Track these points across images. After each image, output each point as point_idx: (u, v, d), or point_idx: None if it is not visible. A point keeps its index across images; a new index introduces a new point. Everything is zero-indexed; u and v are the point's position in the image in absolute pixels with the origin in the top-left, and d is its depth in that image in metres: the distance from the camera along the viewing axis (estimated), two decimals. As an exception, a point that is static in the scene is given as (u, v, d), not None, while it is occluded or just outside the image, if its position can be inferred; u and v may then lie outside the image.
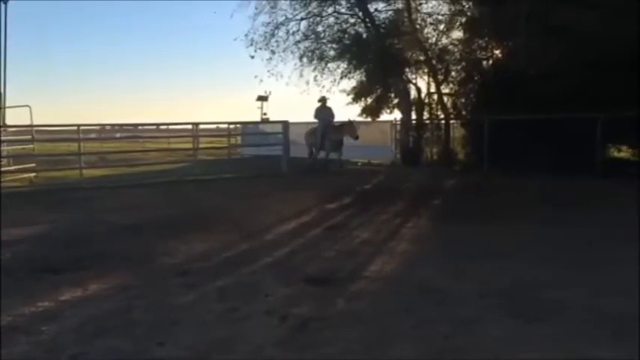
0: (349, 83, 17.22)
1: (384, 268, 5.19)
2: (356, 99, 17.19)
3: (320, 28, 16.78)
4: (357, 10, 16.55)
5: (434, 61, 16.38)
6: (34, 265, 5.17)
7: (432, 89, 16.78)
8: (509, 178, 11.87)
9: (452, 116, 16.47)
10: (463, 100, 16.31)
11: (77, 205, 9.06)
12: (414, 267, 5.26)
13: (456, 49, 16.40)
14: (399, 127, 17.42)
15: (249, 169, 14.67)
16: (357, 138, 13.24)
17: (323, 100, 14.41)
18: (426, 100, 16.95)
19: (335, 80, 16.96)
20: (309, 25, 16.77)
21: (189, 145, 14.94)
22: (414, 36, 16.24)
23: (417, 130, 16.76)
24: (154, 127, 22.37)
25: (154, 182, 12.00)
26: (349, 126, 13.92)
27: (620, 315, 3.81)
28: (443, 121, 16.59)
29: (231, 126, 18.54)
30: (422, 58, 16.64)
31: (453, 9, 16.09)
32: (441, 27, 16.57)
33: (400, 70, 16.48)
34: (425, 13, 16.77)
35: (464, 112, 16.27)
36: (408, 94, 16.89)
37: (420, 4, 16.74)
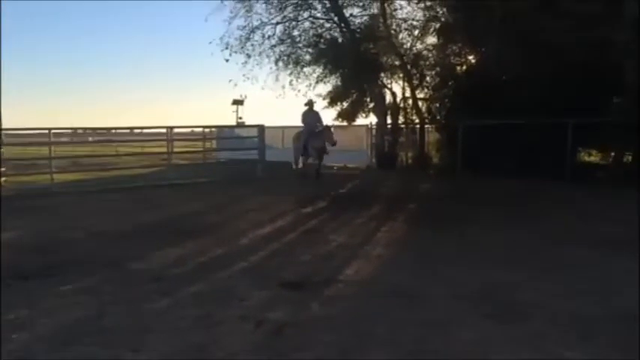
0: (325, 87, 17.33)
1: (360, 272, 5.21)
2: (332, 103, 17.26)
3: (296, 33, 16.86)
4: (332, 15, 16.65)
5: (409, 66, 16.57)
6: (3, 272, 5.05)
7: (407, 94, 16.99)
8: (482, 182, 12.08)
9: (426, 121, 16.69)
10: (437, 105, 16.53)
11: (48, 210, 8.89)
12: (389, 271, 5.30)
13: (430, 55, 16.63)
14: (374, 131, 17.55)
15: (224, 173, 14.60)
16: (334, 144, 12.89)
17: (310, 103, 13.83)
18: (401, 105, 17.15)
19: (311, 84, 17.06)
20: (285, 30, 16.81)
21: (164, 149, 14.80)
22: (389, 41, 16.41)
23: (392, 134, 16.91)
24: (128, 130, 22.18)
25: (128, 187, 11.86)
26: (327, 132, 13.37)
27: (588, 316, 3.91)
28: (418, 126, 16.78)
29: (207, 130, 18.45)
30: (397, 63, 16.82)
31: (427, 15, 16.28)
32: (416, 32, 16.79)
33: (375, 75, 16.61)
34: (400, 19, 17.00)
35: (438, 117, 16.50)
36: (384, 98, 17.06)
37: (395, 9, 16.98)
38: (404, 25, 16.92)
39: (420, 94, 16.87)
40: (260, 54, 16.76)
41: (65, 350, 3.40)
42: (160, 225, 7.61)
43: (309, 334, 3.62)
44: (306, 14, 16.77)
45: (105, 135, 18.39)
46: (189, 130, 20.14)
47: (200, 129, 18.12)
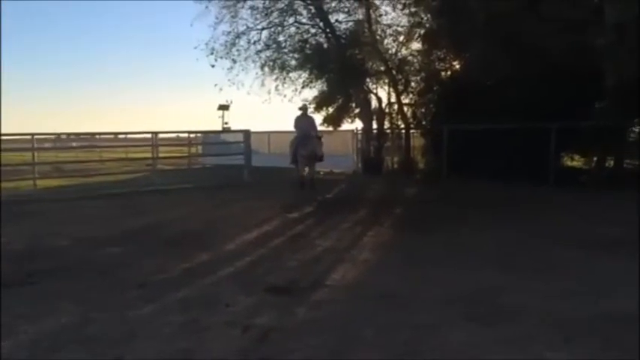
0: (311, 93, 17.40)
1: (346, 277, 5.20)
2: (317, 108, 17.29)
3: (281, 38, 16.91)
4: (317, 20, 16.73)
5: (394, 72, 16.69)
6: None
7: (393, 99, 17.12)
8: (467, 185, 12.17)
9: (412, 126, 16.81)
10: (423, 110, 16.67)
11: (31, 217, 8.77)
12: (376, 274, 5.31)
13: (415, 60, 16.78)
14: (360, 136, 17.61)
15: (210, 178, 14.52)
16: (321, 159, 11.88)
17: (304, 108, 13.15)
18: (387, 110, 17.26)
19: (296, 90, 17.11)
20: (271, 35, 16.85)
21: (149, 155, 14.71)
22: (375, 47, 16.52)
23: (378, 139, 16.99)
24: (112, 136, 21.96)
25: (112, 193, 11.74)
26: (317, 142, 11.97)
27: (571, 318, 3.95)
28: (403, 131, 16.88)
29: (192, 135, 18.37)
30: (382, 68, 16.93)
31: (412, 21, 16.42)
32: (401, 38, 16.96)
33: (361, 80, 16.69)
34: (385, 25, 17.15)
35: (423, 122, 16.62)
36: (369, 103, 17.16)
37: (380, 15, 17.09)
38: (389, 31, 17.11)
39: (405, 100, 17.01)
40: (246, 59, 16.82)
41: (49, 358, 3.35)
42: (145, 231, 7.55)
43: (296, 339, 3.61)
44: (291, 20, 16.84)
45: (89, 140, 18.16)
46: (174, 135, 20.04)
47: (185, 134, 18.03)
